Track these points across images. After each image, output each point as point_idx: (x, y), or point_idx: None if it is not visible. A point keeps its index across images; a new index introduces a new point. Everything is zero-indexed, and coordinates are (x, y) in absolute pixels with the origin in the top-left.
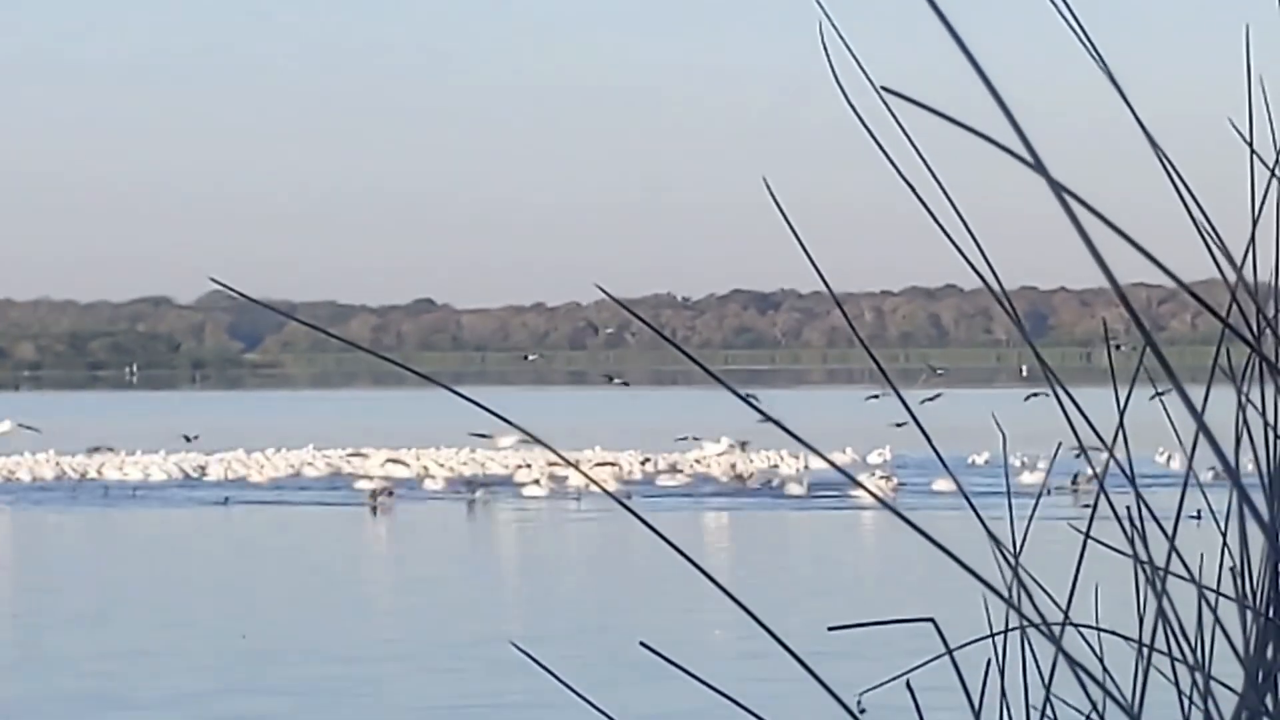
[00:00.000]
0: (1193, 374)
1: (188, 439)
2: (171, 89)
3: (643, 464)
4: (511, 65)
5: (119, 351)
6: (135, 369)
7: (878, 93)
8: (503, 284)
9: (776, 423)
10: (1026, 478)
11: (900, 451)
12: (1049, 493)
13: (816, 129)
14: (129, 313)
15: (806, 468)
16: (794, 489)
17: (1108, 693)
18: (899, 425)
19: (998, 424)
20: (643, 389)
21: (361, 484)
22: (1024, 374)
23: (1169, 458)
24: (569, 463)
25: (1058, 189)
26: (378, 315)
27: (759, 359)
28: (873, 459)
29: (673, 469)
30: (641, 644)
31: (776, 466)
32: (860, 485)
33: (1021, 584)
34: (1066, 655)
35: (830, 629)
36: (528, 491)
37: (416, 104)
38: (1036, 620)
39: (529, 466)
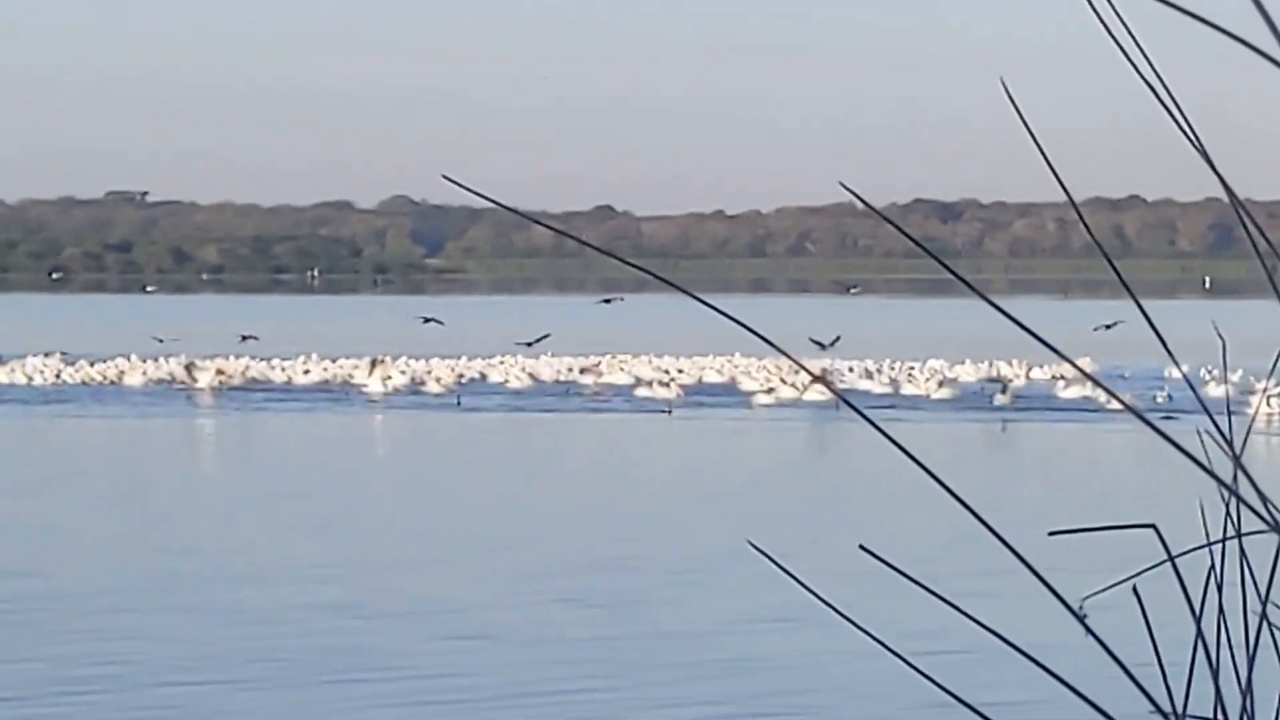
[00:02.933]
0: None
1: (428, 318)
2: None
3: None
4: None
5: (301, 255)
6: (317, 273)
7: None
8: (684, 191)
9: (1036, 336)
10: (1214, 390)
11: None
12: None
13: (994, 40)
14: (312, 217)
15: (1027, 378)
16: (1000, 400)
17: None
18: (1107, 327)
19: (1219, 334)
20: (825, 297)
21: (653, 390)
22: (1207, 286)
23: None
24: (815, 373)
25: None
26: (559, 221)
27: (940, 269)
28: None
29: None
30: (861, 547)
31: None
32: (1115, 397)
33: (1239, 496)
34: None
35: (1050, 534)
36: (757, 400)
37: (605, 13)
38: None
39: (750, 374)
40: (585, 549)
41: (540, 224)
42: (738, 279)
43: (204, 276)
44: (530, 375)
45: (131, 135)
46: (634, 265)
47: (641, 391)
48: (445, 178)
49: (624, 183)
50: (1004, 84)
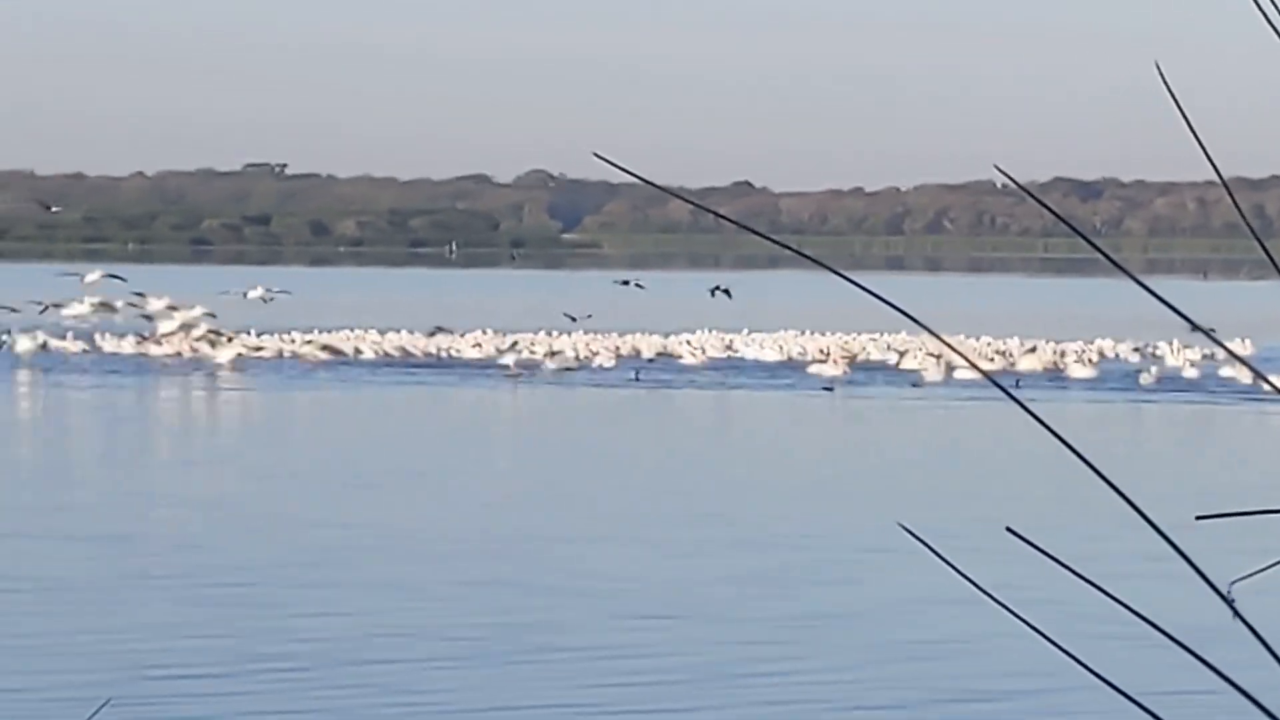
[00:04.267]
0: None
1: (573, 318)
2: None
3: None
4: None
5: (439, 229)
6: (455, 247)
7: None
8: (822, 167)
9: (1192, 323)
10: None
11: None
12: None
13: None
14: (450, 190)
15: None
16: (1147, 379)
17: None
18: None
19: None
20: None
21: (817, 369)
22: None
23: None
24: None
25: None
26: (696, 197)
27: (1078, 247)
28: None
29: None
30: (1008, 529)
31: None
32: (1262, 377)
33: None
34: None
35: (1198, 519)
36: (917, 378)
37: None
38: None
39: (903, 352)
40: (751, 526)
41: (682, 198)
42: (873, 256)
43: (341, 249)
44: (702, 350)
45: (270, 107)
46: (773, 240)
47: (813, 369)
48: (596, 155)
49: (762, 159)
50: (1159, 68)
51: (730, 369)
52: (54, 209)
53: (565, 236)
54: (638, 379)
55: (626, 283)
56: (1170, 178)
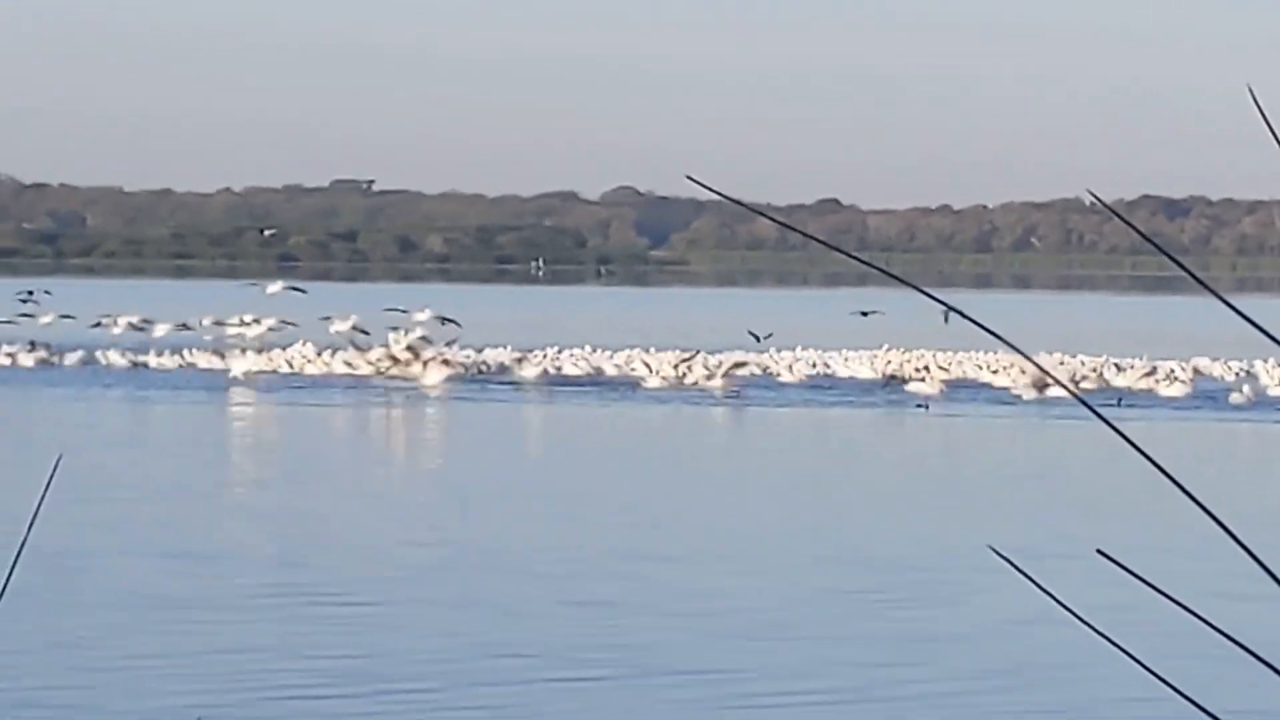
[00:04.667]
0: None
1: (758, 338)
2: None
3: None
4: None
5: (526, 245)
6: (542, 263)
7: None
8: (909, 185)
9: (1277, 341)
10: None
11: None
12: None
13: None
14: (536, 207)
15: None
16: (1238, 398)
17: None
18: None
19: None
20: (1050, 293)
21: (914, 386)
22: None
23: None
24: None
25: None
26: (783, 214)
27: (1167, 265)
28: None
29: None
30: (1098, 551)
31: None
32: None
33: None
34: None
35: None
36: (1010, 396)
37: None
38: None
39: (996, 370)
40: (848, 546)
41: (770, 218)
42: (961, 274)
43: (427, 266)
44: (788, 369)
45: (358, 123)
46: (860, 259)
47: (910, 387)
48: (689, 178)
49: (849, 176)
50: (1250, 90)
51: (824, 386)
52: (268, 232)
53: (652, 253)
54: (737, 396)
55: (866, 313)
56: (1259, 196)
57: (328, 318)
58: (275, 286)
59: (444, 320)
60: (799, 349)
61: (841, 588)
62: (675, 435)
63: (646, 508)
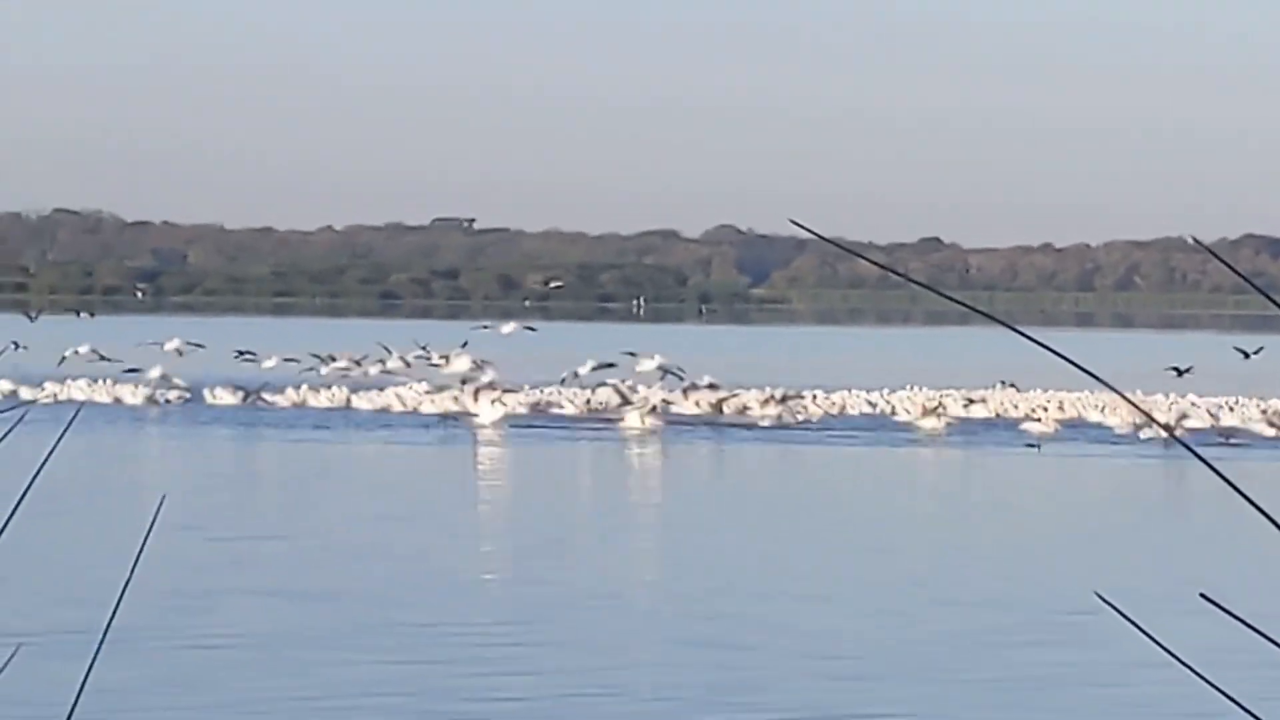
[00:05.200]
0: None
1: (1180, 372)
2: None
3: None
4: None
5: (627, 283)
6: (643, 301)
7: None
8: (1011, 223)
9: None
10: None
11: None
12: None
13: None
14: (637, 245)
15: None
16: None
17: None
18: None
19: None
20: (1151, 332)
21: (1027, 425)
22: None
23: None
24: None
25: None
26: (885, 253)
27: (1270, 305)
28: None
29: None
30: (1201, 595)
31: None
32: None
33: None
34: None
35: None
36: (1125, 437)
37: (934, 33)
38: None
39: (1105, 409)
40: (957, 586)
41: (871, 261)
42: (1063, 313)
43: (527, 303)
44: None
45: (459, 162)
46: (959, 302)
47: (1023, 426)
48: (791, 221)
49: (951, 214)
50: None
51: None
52: (554, 284)
53: (753, 291)
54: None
55: (1180, 372)
56: None
57: (632, 353)
58: (509, 327)
59: (667, 371)
60: (913, 388)
61: (957, 629)
62: (784, 475)
63: (773, 547)
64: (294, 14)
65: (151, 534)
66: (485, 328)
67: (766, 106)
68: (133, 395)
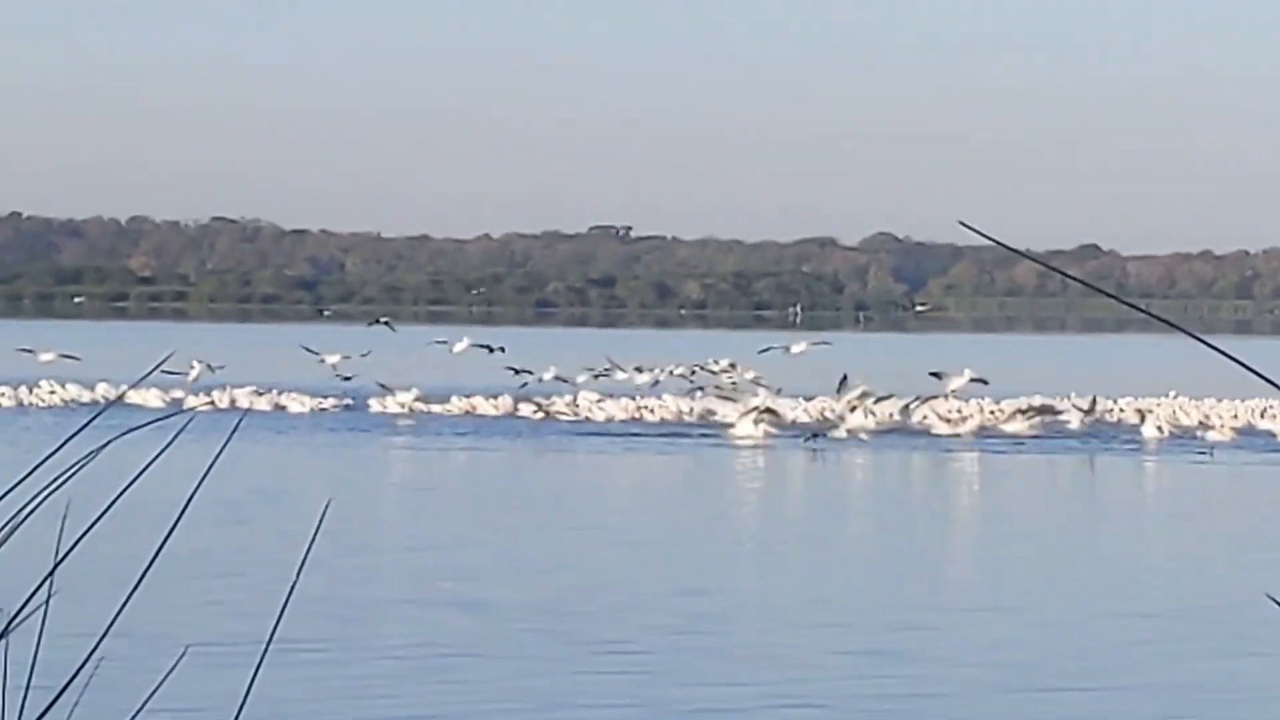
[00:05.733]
0: None
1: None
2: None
3: None
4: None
5: (782, 291)
6: (799, 309)
7: None
8: (1169, 230)
9: None
10: None
11: None
12: None
13: None
14: (794, 253)
15: None
16: None
17: None
18: None
19: None
20: None
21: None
22: None
23: None
24: None
25: None
26: (1042, 260)
27: None
28: None
29: None
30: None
31: None
32: None
33: None
34: None
35: None
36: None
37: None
38: None
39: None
40: (1124, 595)
41: (1038, 262)
42: (1222, 320)
43: (682, 312)
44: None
45: (616, 171)
46: (1128, 303)
47: (1205, 434)
48: (961, 223)
49: (1109, 221)
50: None
51: (1105, 434)
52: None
53: (910, 299)
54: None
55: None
56: None
57: (938, 373)
58: (800, 346)
59: (976, 379)
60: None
61: (1131, 639)
62: (939, 482)
63: (914, 556)
64: (446, 30)
65: (317, 541)
66: (770, 349)
67: (926, 116)
68: (298, 404)
